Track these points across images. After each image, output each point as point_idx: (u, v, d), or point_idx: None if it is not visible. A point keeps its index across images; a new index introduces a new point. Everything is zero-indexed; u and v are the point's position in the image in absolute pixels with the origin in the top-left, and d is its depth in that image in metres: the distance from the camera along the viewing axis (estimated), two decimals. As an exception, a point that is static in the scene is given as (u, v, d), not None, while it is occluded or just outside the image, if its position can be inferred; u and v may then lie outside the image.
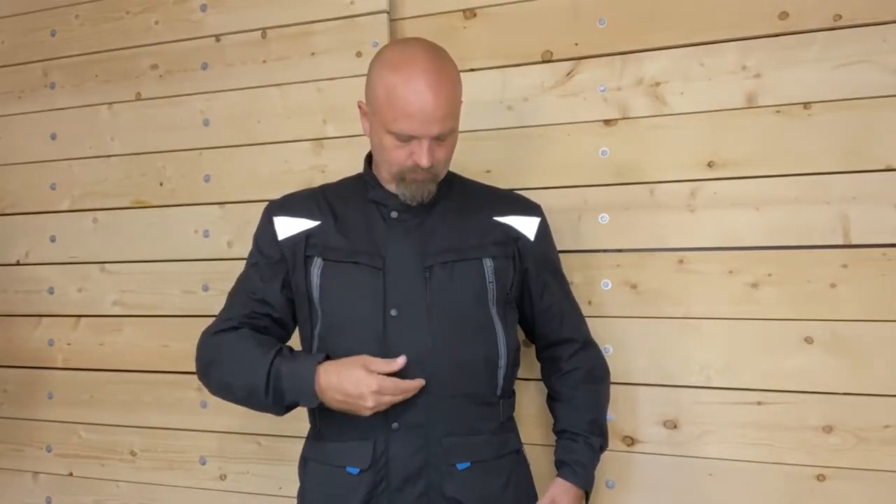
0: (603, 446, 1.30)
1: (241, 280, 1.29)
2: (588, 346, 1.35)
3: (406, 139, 1.13)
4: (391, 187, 1.22)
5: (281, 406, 1.17)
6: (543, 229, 1.31)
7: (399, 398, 1.13)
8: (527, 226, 1.28)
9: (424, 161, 1.13)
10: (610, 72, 1.52)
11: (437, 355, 1.16)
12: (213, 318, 1.28)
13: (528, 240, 1.28)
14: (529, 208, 1.32)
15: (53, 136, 1.96)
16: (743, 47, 1.44)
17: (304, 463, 1.28)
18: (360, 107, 1.22)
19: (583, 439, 1.27)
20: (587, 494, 1.28)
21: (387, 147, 1.15)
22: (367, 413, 1.12)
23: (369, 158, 1.29)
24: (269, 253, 1.25)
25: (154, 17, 1.86)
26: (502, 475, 1.23)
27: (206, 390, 1.80)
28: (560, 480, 1.26)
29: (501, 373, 1.24)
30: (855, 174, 1.38)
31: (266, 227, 1.26)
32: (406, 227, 1.21)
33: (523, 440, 1.33)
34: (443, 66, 1.13)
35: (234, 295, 1.28)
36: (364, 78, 1.21)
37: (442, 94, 1.11)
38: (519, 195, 1.37)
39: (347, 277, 1.19)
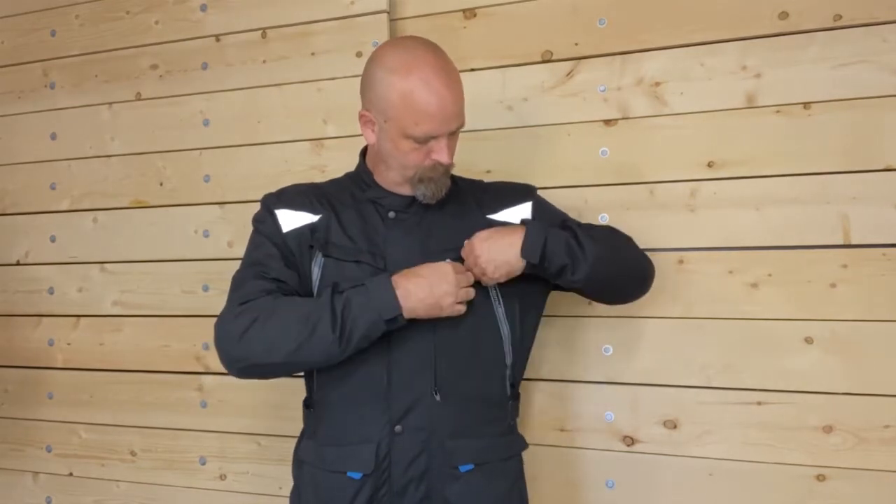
0: (581, 242, 1.16)
1: (249, 265, 1.21)
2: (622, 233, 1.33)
3: (425, 140, 1.13)
4: (395, 188, 1.21)
5: (349, 339, 1.08)
6: (538, 209, 1.30)
7: (470, 293, 1.14)
8: (520, 215, 1.27)
9: (446, 158, 1.14)
10: (610, 72, 1.52)
11: (441, 357, 1.15)
12: (217, 318, 1.17)
13: None
14: (519, 195, 1.30)
15: (53, 136, 1.96)
16: (743, 47, 1.44)
17: (300, 465, 1.26)
18: (362, 117, 1.18)
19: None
20: (540, 255, 1.15)
21: (404, 151, 1.14)
22: (448, 309, 1.11)
23: (363, 155, 1.27)
24: (276, 241, 1.21)
25: (154, 17, 1.86)
26: (507, 479, 1.22)
27: (205, 389, 1.82)
28: None
29: (508, 373, 1.23)
30: (855, 174, 1.38)
31: (269, 219, 1.22)
32: (405, 227, 1.21)
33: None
34: (447, 61, 1.14)
35: (243, 279, 1.19)
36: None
37: (455, 89, 1.12)
38: (506, 184, 1.35)
39: (349, 276, 1.17)
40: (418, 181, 1.17)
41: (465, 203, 1.26)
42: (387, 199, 1.22)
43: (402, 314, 1.09)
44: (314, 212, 1.22)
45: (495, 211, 1.26)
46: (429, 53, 1.12)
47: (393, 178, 1.20)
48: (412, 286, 1.10)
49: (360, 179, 1.26)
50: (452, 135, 1.16)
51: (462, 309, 1.14)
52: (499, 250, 1.14)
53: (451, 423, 1.16)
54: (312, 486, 1.21)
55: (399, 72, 1.10)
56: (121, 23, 1.89)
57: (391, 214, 1.21)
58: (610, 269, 1.22)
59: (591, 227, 1.26)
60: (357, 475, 1.15)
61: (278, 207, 1.23)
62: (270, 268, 1.18)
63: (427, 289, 1.10)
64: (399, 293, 1.09)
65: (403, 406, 1.15)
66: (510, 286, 1.21)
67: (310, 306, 1.10)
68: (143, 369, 1.87)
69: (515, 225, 1.20)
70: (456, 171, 1.32)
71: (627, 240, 1.31)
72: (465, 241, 1.17)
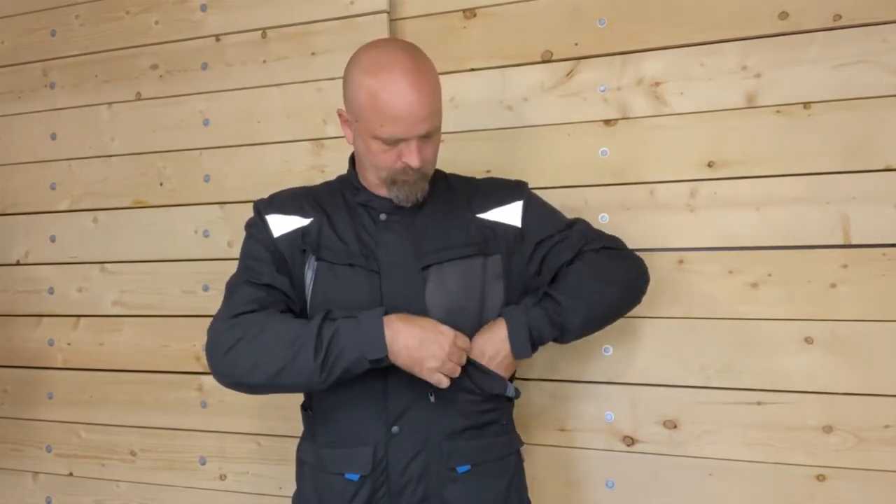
0: (563, 309, 1.16)
1: (242, 271, 1.21)
2: (611, 248, 1.27)
3: (394, 142, 1.11)
4: (381, 191, 1.20)
5: (331, 370, 1.07)
6: (528, 207, 1.26)
7: (455, 371, 1.10)
8: (510, 215, 1.25)
9: (415, 162, 1.12)
10: (610, 72, 1.52)
11: None
12: (214, 316, 1.19)
13: (517, 228, 1.24)
14: (509, 193, 1.27)
15: (53, 136, 1.96)
16: (743, 47, 1.44)
17: (301, 465, 1.26)
18: (339, 115, 1.20)
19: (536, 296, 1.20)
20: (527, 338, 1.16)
21: (374, 152, 1.13)
22: (427, 373, 1.08)
23: (353, 160, 1.27)
24: (267, 246, 1.21)
25: (154, 17, 1.86)
26: (504, 477, 1.22)
27: (205, 389, 1.82)
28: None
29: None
30: (855, 174, 1.38)
31: (260, 224, 1.23)
32: (397, 229, 1.20)
33: (523, 440, 1.33)
34: (421, 64, 1.12)
35: (235, 285, 1.19)
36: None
37: (425, 92, 1.10)
38: (498, 182, 1.32)
39: (342, 280, 1.17)
40: (391, 183, 1.16)
41: (457, 202, 1.25)
42: (377, 202, 1.21)
43: (387, 356, 1.08)
44: (305, 215, 1.22)
45: (485, 210, 1.25)
46: (402, 55, 1.10)
47: (371, 179, 1.20)
48: (404, 330, 1.08)
49: (350, 183, 1.25)
50: (426, 139, 1.13)
51: (443, 382, 1.09)
52: (495, 351, 1.16)
53: (447, 425, 1.16)
54: (313, 486, 1.21)
55: (368, 72, 1.10)
56: (121, 23, 1.89)
57: (382, 217, 1.21)
58: (597, 319, 1.24)
59: (572, 270, 1.22)
60: (355, 477, 1.15)
61: (269, 212, 1.23)
62: (262, 273, 1.18)
63: (417, 341, 1.08)
64: (388, 333, 1.08)
65: (400, 407, 1.15)
66: (504, 283, 1.22)
67: (298, 330, 1.09)
68: (143, 369, 1.87)
69: (496, 323, 1.17)
70: (455, 170, 1.33)
71: (618, 263, 1.26)
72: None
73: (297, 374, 1.08)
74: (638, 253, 1.43)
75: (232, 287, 1.20)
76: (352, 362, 1.08)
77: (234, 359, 1.11)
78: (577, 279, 1.21)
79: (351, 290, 1.17)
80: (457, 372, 1.11)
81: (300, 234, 1.20)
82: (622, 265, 1.27)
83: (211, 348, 1.14)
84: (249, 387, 1.13)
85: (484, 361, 1.16)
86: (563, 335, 1.19)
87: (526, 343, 1.16)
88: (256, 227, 1.23)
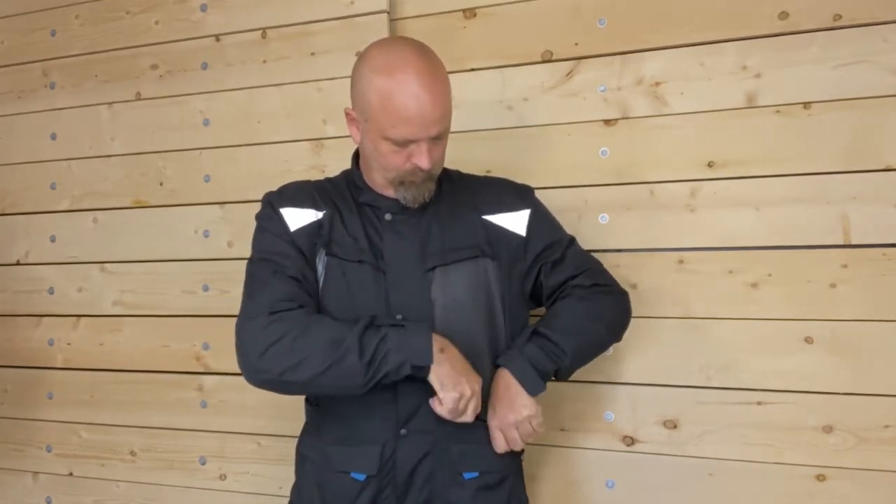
0: (556, 345, 1.17)
1: (265, 264, 1.17)
2: (600, 284, 1.26)
3: (404, 144, 1.10)
4: (386, 191, 1.20)
5: (375, 371, 1.06)
6: (534, 218, 1.26)
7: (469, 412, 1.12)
8: (516, 222, 1.25)
9: (426, 163, 1.11)
10: (610, 72, 1.52)
11: None
12: (242, 311, 1.15)
13: (520, 237, 1.24)
14: (517, 200, 1.27)
15: (53, 136, 1.96)
16: (743, 47, 1.44)
17: (303, 461, 1.26)
18: (347, 114, 1.18)
19: (528, 335, 1.19)
20: (535, 379, 1.16)
21: (383, 153, 1.13)
22: (450, 401, 1.08)
23: (356, 158, 1.26)
24: (286, 239, 1.18)
25: (154, 17, 1.86)
26: (508, 484, 1.22)
27: (205, 389, 1.82)
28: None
29: None
30: (855, 174, 1.38)
31: (275, 217, 1.20)
32: (402, 229, 1.19)
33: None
34: (433, 65, 1.11)
35: (262, 276, 1.16)
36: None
37: (437, 94, 1.09)
38: (504, 184, 1.32)
39: (351, 277, 1.16)
40: (399, 184, 1.16)
41: (463, 202, 1.25)
42: (382, 202, 1.21)
43: (431, 365, 1.08)
44: (318, 208, 1.21)
45: (492, 213, 1.24)
46: (414, 55, 1.09)
47: (377, 179, 1.19)
48: (448, 350, 1.10)
49: (353, 183, 1.24)
50: (436, 140, 1.12)
51: (459, 406, 1.11)
52: (513, 409, 1.14)
53: (457, 428, 1.15)
54: (315, 483, 1.21)
55: (380, 72, 1.08)
56: (121, 23, 1.89)
57: (387, 217, 1.20)
58: (584, 355, 1.23)
59: (562, 307, 1.23)
60: (361, 476, 1.15)
61: (283, 206, 1.21)
62: (287, 267, 1.16)
63: (461, 362, 1.11)
64: (436, 345, 1.08)
65: (410, 409, 1.14)
66: (506, 284, 1.21)
67: (343, 332, 1.07)
68: (143, 369, 1.87)
69: (498, 375, 1.18)
70: (456, 169, 1.32)
71: (605, 302, 1.26)
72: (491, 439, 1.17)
73: (342, 374, 1.06)
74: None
75: (257, 277, 1.16)
76: (396, 366, 1.07)
77: (276, 355, 1.07)
78: (566, 316, 1.21)
79: (358, 288, 1.16)
80: (470, 413, 1.11)
81: (316, 227, 1.19)
82: (609, 304, 1.27)
83: (247, 345, 1.10)
84: (288, 384, 1.09)
85: (507, 422, 1.15)
86: (559, 369, 1.18)
87: (535, 377, 1.15)
88: (272, 221, 1.20)
